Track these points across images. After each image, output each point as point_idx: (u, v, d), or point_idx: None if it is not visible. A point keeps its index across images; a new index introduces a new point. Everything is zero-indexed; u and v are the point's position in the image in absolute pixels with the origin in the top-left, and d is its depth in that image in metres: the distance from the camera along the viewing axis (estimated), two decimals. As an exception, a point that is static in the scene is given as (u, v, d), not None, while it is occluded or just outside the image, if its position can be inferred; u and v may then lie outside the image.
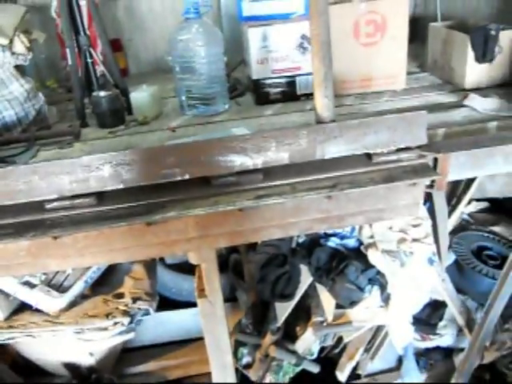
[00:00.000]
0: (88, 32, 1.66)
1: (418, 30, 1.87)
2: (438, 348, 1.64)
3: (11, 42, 1.53)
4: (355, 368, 1.61)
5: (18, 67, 1.57)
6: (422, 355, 1.65)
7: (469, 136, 1.19)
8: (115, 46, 2.05)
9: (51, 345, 1.55)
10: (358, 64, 1.57)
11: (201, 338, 1.49)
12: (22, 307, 1.52)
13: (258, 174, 1.06)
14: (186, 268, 1.82)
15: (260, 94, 1.58)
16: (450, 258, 1.61)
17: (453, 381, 1.61)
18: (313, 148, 1.05)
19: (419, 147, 1.10)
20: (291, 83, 1.57)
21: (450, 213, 1.58)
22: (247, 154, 1.04)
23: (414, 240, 1.42)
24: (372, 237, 1.45)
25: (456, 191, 1.62)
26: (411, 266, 1.35)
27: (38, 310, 1.50)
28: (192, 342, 1.84)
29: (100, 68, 1.69)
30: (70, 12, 1.57)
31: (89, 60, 1.65)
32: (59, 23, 1.87)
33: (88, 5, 1.63)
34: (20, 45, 1.56)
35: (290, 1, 1.57)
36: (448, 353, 1.65)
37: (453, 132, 1.23)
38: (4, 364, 1.55)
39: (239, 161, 1.04)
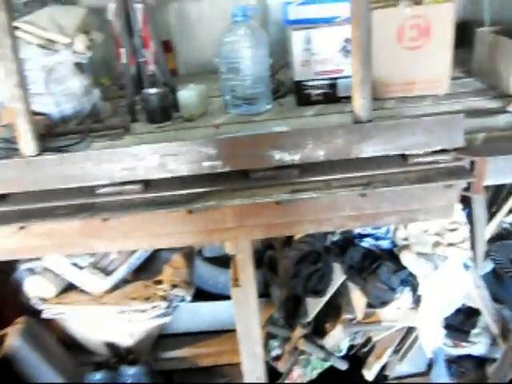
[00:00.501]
0: (141, 34, 1.77)
1: (466, 35, 1.86)
2: (470, 356, 1.61)
3: (72, 41, 1.65)
4: (383, 368, 1.62)
5: (77, 65, 1.69)
6: (453, 362, 1.63)
7: (509, 141, 1.19)
8: (166, 48, 2.15)
9: (94, 324, 1.66)
10: (401, 68, 1.58)
11: (233, 330, 1.55)
12: (71, 287, 1.64)
13: (294, 170, 1.11)
14: (223, 262, 1.88)
15: (302, 96, 1.62)
16: (487, 267, 1.59)
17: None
18: (349, 147, 1.08)
19: (456, 150, 1.11)
20: (333, 85, 1.60)
21: (490, 220, 1.56)
22: (286, 149, 1.09)
23: (450, 244, 1.42)
24: (406, 239, 1.46)
25: (497, 199, 1.60)
26: (445, 269, 1.35)
27: (83, 291, 1.61)
28: (224, 333, 1.89)
29: (151, 67, 1.79)
30: (126, 15, 1.67)
31: (141, 60, 1.75)
32: (115, 25, 2.00)
33: (143, 9, 1.74)
34: (80, 44, 1.67)
35: (335, 5, 1.60)
36: (480, 362, 1.63)
37: (493, 137, 1.23)
38: (52, 338, 1.66)
39: (278, 156, 1.09)
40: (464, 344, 1.56)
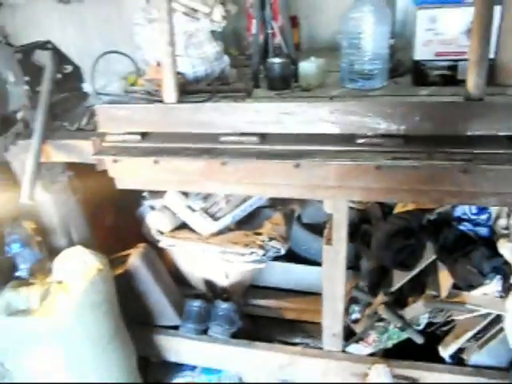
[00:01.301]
0: (272, 7, 1.91)
1: None
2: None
3: (211, 11, 1.85)
4: (461, 351, 1.62)
5: (212, 32, 1.88)
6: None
7: None
8: (293, 22, 2.27)
9: (198, 261, 1.90)
10: (530, 54, 1.52)
11: (319, 294, 1.67)
12: (184, 225, 1.89)
13: (399, 139, 1.18)
14: (319, 230, 1.99)
15: (419, 75, 1.63)
16: None
17: None
18: (456, 123, 1.12)
19: None
20: (453, 67, 1.59)
21: None
22: (392, 119, 1.16)
23: (554, 240, 1.38)
24: (508, 228, 1.44)
25: None
26: (543, 263, 1.32)
27: (194, 230, 1.85)
28: (311, 294, 2.03)
29: (277, 39, 1.93)
30: (260, -11, 1.82)
31: (269, 31, 1.90)
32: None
33: (275, -15, 1.87)
34: (217, 14, 1.86)
35: (466, -14, 1.58)
36: None
37: None
38: (164, 266, 1.94)
39: (384, 125, 1.17)
40: (554, 346, 1.51)
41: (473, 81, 1.11)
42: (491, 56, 1.51)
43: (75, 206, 1.76)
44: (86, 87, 1.82)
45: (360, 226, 1.98)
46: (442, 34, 1.56)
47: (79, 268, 1.59)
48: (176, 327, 1.94)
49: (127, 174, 1.45)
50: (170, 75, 1.35)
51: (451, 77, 1.60)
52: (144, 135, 1.42)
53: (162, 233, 1.87)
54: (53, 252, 1.73)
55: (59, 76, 1.69)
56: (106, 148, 1.44)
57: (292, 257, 2.13)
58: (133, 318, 1.88)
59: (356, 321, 1.74)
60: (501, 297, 1.47)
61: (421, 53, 1.61)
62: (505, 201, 1.19)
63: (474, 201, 1.22)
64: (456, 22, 1.54)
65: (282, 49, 1.87)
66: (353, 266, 1.99)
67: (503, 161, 1.10)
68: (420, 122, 1.14)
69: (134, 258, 1.81)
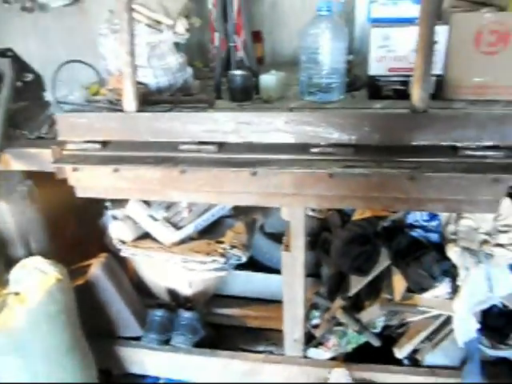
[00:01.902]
0: (235, 22, 1.97)
1: None
2: (506, 360, 1.63)
3: (175, 23, 1.88)
4: (416, 353, 1.68)
5: (175, 44, 1.91)
6: (488, 363, 1.65)
7: None
8: (256, 37, 2.33)
9: (160, 270, 1.90)
10: (475, 71, 1.61)
11: (281, 301, 1.71)
12: (146, 235, 1.89)
13: (350, 148, 1.23)
14: (281, 239, 2.03)
15: (373, 89, 1.71)
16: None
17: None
18: (403, 133, 1.19)
19: (509, 148, 1.17)
20: (405, 82, 1.68)
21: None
22: (344, 129, 1.22)
23: (498, 245, 1.46)
24: (455, 234, 1.51)
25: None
26: (488, 265, 1.40)
27: (156, 240, 1.86)
28: (274, 302, 2.06)
29: (240, 53, 1.98)
30: (223, 4, 1.87)
31: (232, 45, 1.95)
32: (213, 13, 2.22)
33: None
34: (181, 26, 1.89)
35: (417, 6, 1.68)
36: (516, 368, 1.64)
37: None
38: (126, 276, 1.94)
39: (336, 135, 1.23)
40: (501, 346, 1.59)
41: (417, 94, 1.18)
42: (440, 72, 1.62)
43: (34, 215, 1.74)
44: (48, 96, 1.81)
45: (320, 234, 2.04)
46: (395, 51, 1.65)
47: (36, 278, 1.57)
48: (139, 338, 1.94)
49: (87, 182, 1.45)
50: (130, 84, 1.37)
51: (403, 91, 1.69)
52: (104, 144, 1.43)
53: (123, 242, 1.86)
54: (10, 263, 1.70)
55: (19, 84, 1.69)
56: (66, 156, 1.44)
57: (255, 266, 2.16)
58: (94, 329, 1.86)
59: (316, 326, 1.79)
60: (450, 298, 1.54)
61: (375, 68, 1.69)
62: (449, 207, 1.26)
63: (422, 207, 1.28)
64: (407, 40, 1.63)
65: (244, 62, 1.93)
66: (314, 273, 2.04)
67: (447, 169, 1.17)
68: (369, 132, 1.20)
69: (95, 268, 1.79)
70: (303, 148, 1.27)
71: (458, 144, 1.18)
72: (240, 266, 1.98)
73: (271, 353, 1.90)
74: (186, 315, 1.85)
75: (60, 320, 1.59)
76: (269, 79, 1.79)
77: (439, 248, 1.55)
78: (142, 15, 1.83)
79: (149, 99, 1.78)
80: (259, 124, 1.27)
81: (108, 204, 1.96)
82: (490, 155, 1.17)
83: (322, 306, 1.79)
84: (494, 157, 1.17)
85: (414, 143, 1.19)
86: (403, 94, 1.68)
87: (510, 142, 1.15)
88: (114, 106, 1.68)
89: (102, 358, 1.87)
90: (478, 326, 1.52)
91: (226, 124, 1.28)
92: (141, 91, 1.74)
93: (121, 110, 1.46)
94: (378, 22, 1.75)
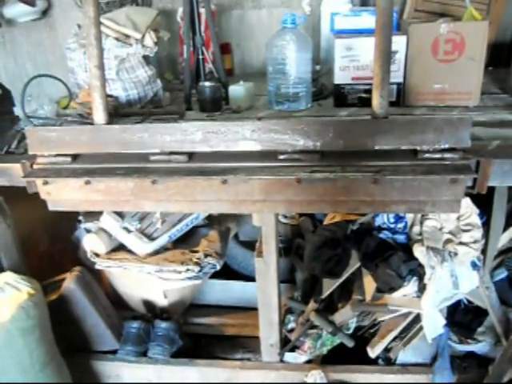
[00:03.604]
0: (203, 34, 2.01)
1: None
2: (474, 354, 1.69)
3: (143, 36, 1.91)
4: (388, 351, 1.73)
5: (144, 57, 1.94)
6: (457, 357, 1.71)
7: (519, 148, 1.29)
8: (225, 49, 2.39)
9: (135, 282, 1.90)
10: (434, 78, 1.69)
11: (258, 309, 1.73)
12: (120, 247, 1.89)
13: (316, 154, 1.28)
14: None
15: (339, 97, 1.78)
16: (502, 274, 1.67)
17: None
18: (365, 139, 1.24)
19: (465, 150, 1.24)
20: (368, 90, 1.75)
21: (505, 229, 1.63)
22: (309, 136, 1.26)
23: (461, 243, 1.53)
24: (421, 234, 1.58)
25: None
26: (452, 263, 1.46)
27: (130, 251, 1.86)
28: (250, 310, 2.08)
29: (209, 65, 2.02)
30: (191, 17, 1.91)
31: (200, 57, 1.99)
32: (182, 26, 2.26)
33: (206, 13, 1.98)
34: (149, 40, 1.92)
35: (376, 18, 1.76)
36: (484, 362, 1.70)
37: (507, 145, 1.34)
38: (101, 289, 1.93)
39: (302, 142, 1.27)
40: (469, 341, 1.65)
41: (377, 101, 1.24)
42: (401, 80, 1.70)
43: (5, 230, 1.72)
44: (17, 111, 1.81)
45: (294, 240, 2.08)
46: (357, 60, 1.72)
47: (9, 294, 1.55)
48: (115, 351, 1.92)
49: (59, 195, 1.45)
50: (99, 97, 1.39)
51: (367, 99, 1.75)
52: (75, 157, 1.43)
53: (97, 255, 1.86)
54: (-19, 279, 1.67)
55: (-13, 100, 1.68)
56: (37, 170, 1.44)
57: (232, 275, 2.18)
58: (70, 344, 1.84)
59: (292, 330, 1.82)
60: (418, 297, 1.60)
61: (339, 77, 1.75)
62: (413, 208, 1.31)
63: (386, 209, 1.33)
64: (369, 49, 1.69)
65: (213, 73, 1.97)
66: (290, 279, 2.08)
67: (408, 171, 1.22)
68: (333, 138, 1.25)
69: (69, 282, 1.78)
70: (271, 155, 1.30)
71: (418, 147, 1.23)
72: (216, 275, 2.00)
73: (248, 360, 1.92)
74: (162, 326, 1.86)
75: (34, 335, 1.58)
76: (238, 90, 1.84)
77: (406, 249, 1.61)
78: (110, 29, 1.86)
79: (120, 112, 1.80)
80: (227, 133, 1.30)
81: (81, 217, 1.96)
82: (448, 157, 1.23)
83: (296, 310, 1.82)
84: (451, 159, 1.23)
85: (377, 148, 1.24)
86: (368, 102, 1.75)
87: (465, 145, 1.21)
88: (85, 119, 1.70)
89: (78, 373, 1.85)
90: (445, 321, 1.58)
91: (195, 134, 1.31)
92: (111, 104, 1.77)
93: (91, 123, 1.47)
94: (341, 33, 1.83)
